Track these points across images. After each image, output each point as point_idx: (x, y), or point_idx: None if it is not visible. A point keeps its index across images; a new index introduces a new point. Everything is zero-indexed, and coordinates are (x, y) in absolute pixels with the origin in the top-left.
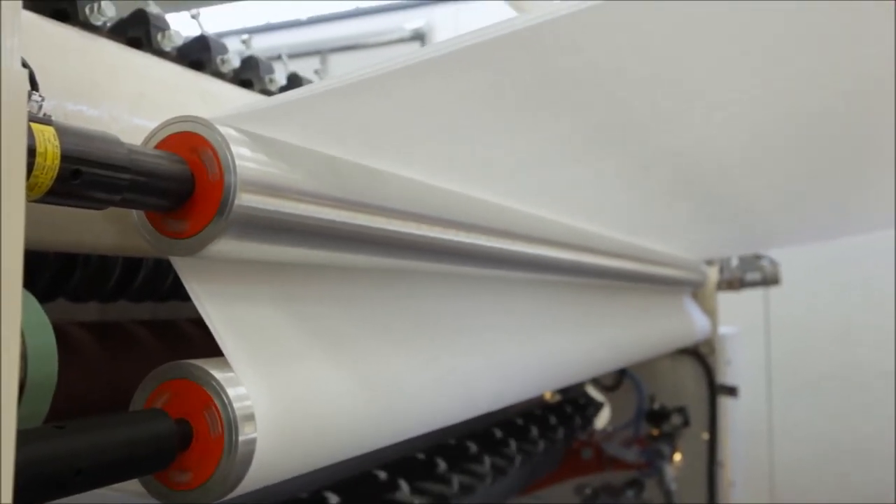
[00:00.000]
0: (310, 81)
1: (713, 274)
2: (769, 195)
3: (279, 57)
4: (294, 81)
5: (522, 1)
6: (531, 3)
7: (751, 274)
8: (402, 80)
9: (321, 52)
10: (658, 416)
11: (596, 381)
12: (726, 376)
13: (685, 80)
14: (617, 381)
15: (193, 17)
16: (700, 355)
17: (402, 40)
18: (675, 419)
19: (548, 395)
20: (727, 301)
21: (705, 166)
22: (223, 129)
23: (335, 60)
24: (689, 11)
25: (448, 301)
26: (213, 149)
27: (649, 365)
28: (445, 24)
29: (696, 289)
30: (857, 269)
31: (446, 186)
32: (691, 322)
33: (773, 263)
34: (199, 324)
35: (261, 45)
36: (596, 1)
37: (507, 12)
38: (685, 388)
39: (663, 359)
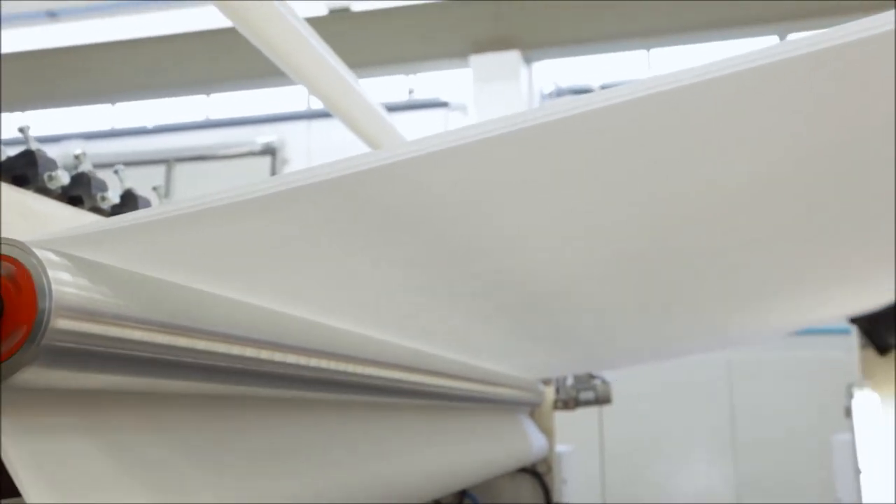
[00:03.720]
0: (146, 199)
1: (550, 393)
2: (600, 323)
3: (115, 171)
4: (128, 199)
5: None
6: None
7: (585, 393)
8: (242, 210)
9: (167, 160)
10: None
11: (437, 502)
12: (563, 495)
13: (524, 215)
14: (457, 501)
15: (21, 130)
16: (538, 474)
17: (252, 153)
18: None
19: None
20: (565, 419)
21: (541, 294)
22: (40, 253)
23: (182, 170)
24: (525, 159)
25: (284, 425)
26: (27, 272)
27: (489, 484)
28: (297, 139)
29: (533, 408)
30: (692, 387)
31: (290, 313)
32: (529, 441)
33: (605, 383)
34: None
35: (104, 151)
36: (444, 146)
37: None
38: None
39: (503, 478)
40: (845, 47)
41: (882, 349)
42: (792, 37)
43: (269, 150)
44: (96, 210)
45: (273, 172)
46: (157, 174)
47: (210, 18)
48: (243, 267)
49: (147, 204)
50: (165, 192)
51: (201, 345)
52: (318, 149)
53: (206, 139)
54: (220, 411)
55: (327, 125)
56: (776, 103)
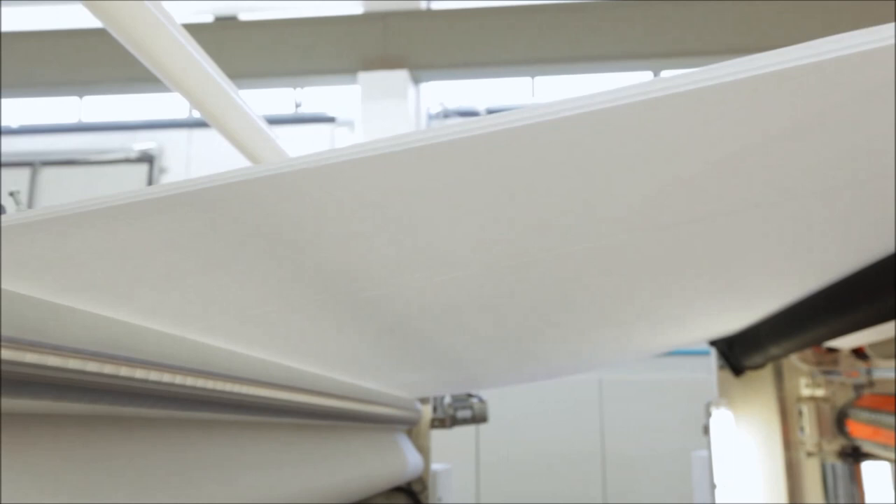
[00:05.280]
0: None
1: (428, 412)
2: (476, 345)
3: None
4: None
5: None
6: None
7: (462, 412)
8: (109, 220)
9: (32, 163)
10: None
11: None
12: None
13: (401, 238)
14: None
15: None
16: (412, 493)
17: (128, 160)
18: None
19: None
20: (442, 438)
21: (418, 316)
22: None
23: (49, 174)
24: (406, 181)
25: (148, 445)
26: None
27: (363, 503)
28: (177, 148)
29: (411, 426)
30: (563, 406)
31: (155, 328)
32: (405, 459)
33: (482, 401)
34: None
35: None
36: (324, 162)
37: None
38: None
39: (377, 496)
40: (704, 91)
41: (737, 370)
42: (665, 73)
43: (147, 158)
44: None
45: (150, 181)
46: (21, 177)
47: (85, 17)
48: (104, 279)
49: (1, 210)
50: (29, 197)
51: (53, 361)
52: (198, 159)
53: (78, 143)
54: (80, 430)
55: (209, 135)
56: (648, 137)
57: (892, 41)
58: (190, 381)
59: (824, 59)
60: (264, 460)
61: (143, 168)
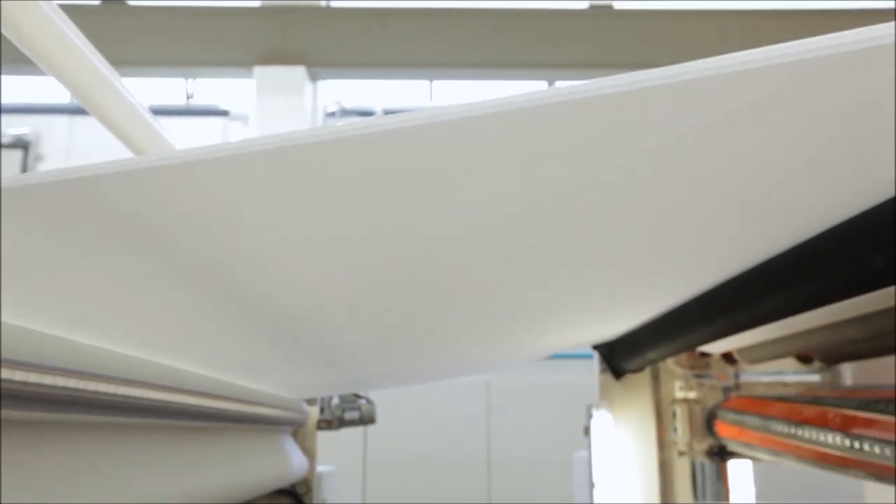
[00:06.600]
0: None
1: (315, 413)
2: (363, 345)
3: None
4: None
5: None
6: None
7: (350, 413)
8: None
9: None
10: None
11: None
12: None
13: (286, 235)
14: None
15: None
16: (296, 494)
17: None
18: None
19: None
20: (330, 439)
21: (303, 316)
22: None
23: None
24: (292, 178)
25: (12, 448)
26: None
27: None
28: (56, 135)
29: (297, 428)
30: (451, 408)
31: (24, 325)
32: (288, 461)
33: (370, 403)
34: None
35: None
36: (206, 156)
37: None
38: None
39: (259, 499)
40: (581, 102)
41: (618, 373)
42: (559, 84)
43: (21, 144)
44: None
45: (24, 169)
46: None
47: None
48: None
49: None
50: None
51: None
52: (80, 148)
53: None
54: None
55: (94, 123)
56: (535, 144)
57: (774, 62)
58: (50, 379)
59: (707, 76)
60: (139, 464)
61: (16, 154)
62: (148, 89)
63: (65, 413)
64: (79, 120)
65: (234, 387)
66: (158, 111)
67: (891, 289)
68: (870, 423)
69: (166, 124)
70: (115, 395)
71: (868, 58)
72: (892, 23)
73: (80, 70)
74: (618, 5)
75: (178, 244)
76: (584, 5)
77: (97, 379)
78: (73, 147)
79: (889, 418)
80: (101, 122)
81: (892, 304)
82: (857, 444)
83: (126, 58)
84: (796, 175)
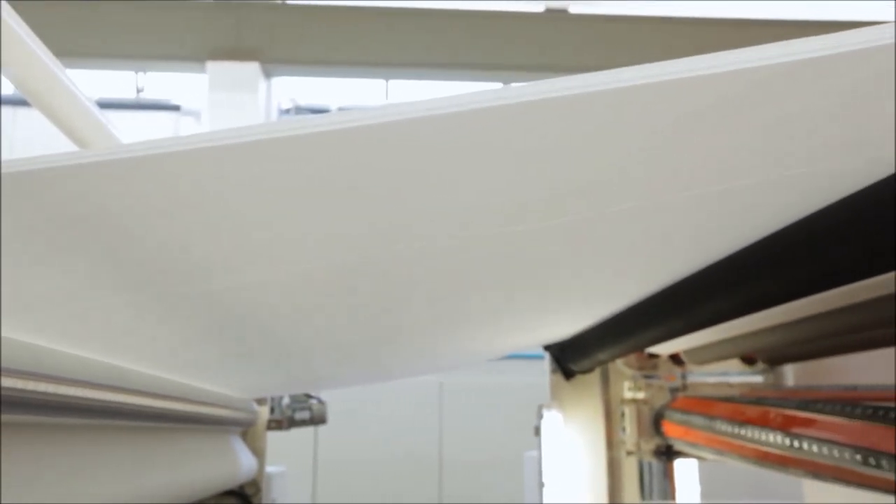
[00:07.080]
0: None
1: (265, 413)
2: (315, 344)
3: None
4: None
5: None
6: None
7: (300, 413)
8: None
9: None
10: None
11: None
12: None
13: (240, 233)
14: None
15: None
16: (244, 495)
17: None
18: None
19: None
20: (281, 440)
21: (253, 316)
22: None
23: None
24: (248, 175)
25: None
26: None
27: None
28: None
29: (246, 428)
30: (404, 408)
31: None
32: (237, 462)
33: (322, 403)
34: None
35: None
36: (152, 151)
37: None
38: None
39: (207, 500)
40: (554, 101)
41: (568, 374)
42: (514, 85)
43: None
44: None
45: None
46: None
47: None
48: None
49: None
50: None
51: None
52: (25, 140)
53: None
54: None
55: (40, 115)
56: (492, 144)
57: (731, 67)
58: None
59: (660, 81)
60: (83, 465)
61: None
62: (97, 82)
63: (5, 413)
64: (23, 112)
65: (181, 386)
66: (107, 105)
67: (830, 292)
68: (809, 423)
69: (116, 118)
70: (55, 394)
71: (817, 67)
72: (848, 31)
73: (23, 61)
74: (573, 9)
75: (122, 242)
76: (540, 8)
77: (35, 378)
78: (16, 140)
79: (828, 418)
80: (44, 114)
81: (832, 307)
82: (796, 443)
83: (75, 49)
84: (743, 179)
